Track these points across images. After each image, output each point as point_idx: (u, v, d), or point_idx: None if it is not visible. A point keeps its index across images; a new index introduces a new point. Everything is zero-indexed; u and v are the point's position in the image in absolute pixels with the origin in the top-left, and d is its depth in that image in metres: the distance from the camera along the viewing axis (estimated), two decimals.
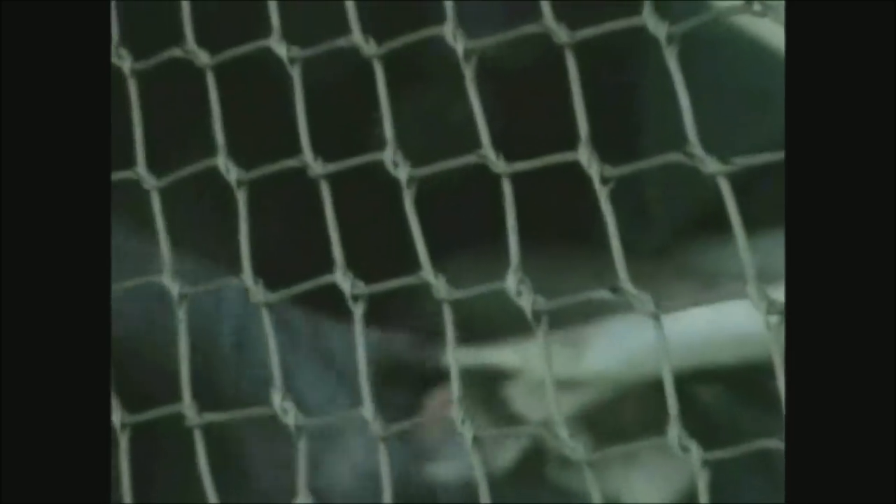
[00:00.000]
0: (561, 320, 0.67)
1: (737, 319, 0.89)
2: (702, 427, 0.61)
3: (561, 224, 0.88)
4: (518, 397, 0.94)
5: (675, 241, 1.06)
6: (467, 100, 0.66)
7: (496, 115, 0.80)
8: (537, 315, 0.62)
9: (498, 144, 0.66)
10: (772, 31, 1.02)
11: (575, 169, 0.63)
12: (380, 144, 0.66)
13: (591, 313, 0.94)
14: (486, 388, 0.94)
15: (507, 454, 0.94)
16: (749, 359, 0.91)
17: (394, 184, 0.66)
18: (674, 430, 0.59)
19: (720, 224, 0.61)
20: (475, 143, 0.66)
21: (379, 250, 0.70)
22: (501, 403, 0.94)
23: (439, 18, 0.66)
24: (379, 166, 0.66)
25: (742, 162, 0.60)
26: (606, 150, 0.64)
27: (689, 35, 0.63)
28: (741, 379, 0.93)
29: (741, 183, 0.70)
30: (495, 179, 0.65)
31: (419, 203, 0.67)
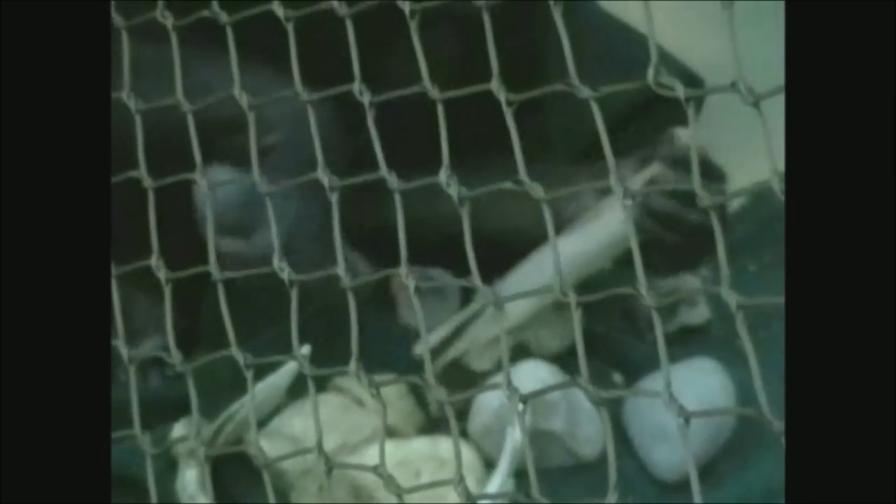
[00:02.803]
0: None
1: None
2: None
3: (488, 142, 0.99)
4: None
5: (570, 161, 1.25)
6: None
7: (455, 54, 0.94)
8: (462, 200, 0.77)
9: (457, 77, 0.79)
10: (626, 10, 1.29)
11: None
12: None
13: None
14: None
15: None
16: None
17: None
18: (557, 284, 0.73)
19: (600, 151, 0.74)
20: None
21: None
22: None
23: None
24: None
25: (607, 90, 0.75)
26: (519, 89, 0.77)
27: (574, 12, 0.78)
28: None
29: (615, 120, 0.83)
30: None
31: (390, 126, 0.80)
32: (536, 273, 1.10)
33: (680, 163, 1.10)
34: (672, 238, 1.10)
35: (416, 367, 0.98)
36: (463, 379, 1.11)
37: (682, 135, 1.11)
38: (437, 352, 1.10)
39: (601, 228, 1.11)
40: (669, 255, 1.10)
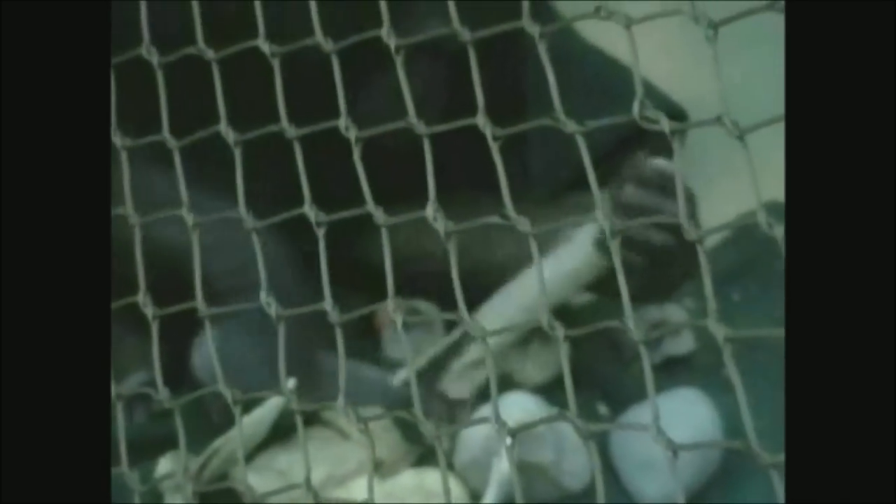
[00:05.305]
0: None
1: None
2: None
3: (475, 176, 1.03)
4: None
5: (551, 194, 1.25)
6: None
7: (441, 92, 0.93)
8: (448, 235, 0.77)
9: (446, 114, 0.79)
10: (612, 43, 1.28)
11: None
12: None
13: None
14: None
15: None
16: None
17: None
18: (544, 317, 0.73)
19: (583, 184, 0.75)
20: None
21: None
22: None
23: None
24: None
25: (592, 125, 0.75)
26: (502, 123, 0.78)
27: (558, 45, 0.78)
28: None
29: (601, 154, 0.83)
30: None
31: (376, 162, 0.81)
32: (507, 301, 1.09)
33: (647, 183, 1.08)
34: (638, 260, 1.09)
35: (400, 399, 0.98)
36: (443, 408, 1.10)
37: (651, 159, 1.09)
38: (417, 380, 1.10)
39: (569, 254, 1.10)
40: (639, 280, 1.07)
